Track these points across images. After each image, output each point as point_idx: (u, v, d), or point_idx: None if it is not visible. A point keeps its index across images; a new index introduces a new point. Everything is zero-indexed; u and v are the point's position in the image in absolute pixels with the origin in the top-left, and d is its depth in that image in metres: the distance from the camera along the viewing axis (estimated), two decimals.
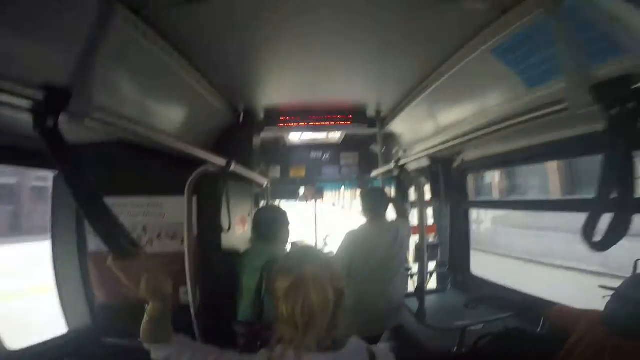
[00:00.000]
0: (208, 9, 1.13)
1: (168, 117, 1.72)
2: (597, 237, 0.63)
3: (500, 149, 2.34)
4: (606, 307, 1.19)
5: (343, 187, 4.62)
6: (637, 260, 1.40)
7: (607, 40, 1.06)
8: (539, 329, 1.63)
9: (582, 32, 1.07)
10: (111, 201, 1.76)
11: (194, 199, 1.60)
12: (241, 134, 2.43)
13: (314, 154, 4.11)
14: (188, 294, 1.52)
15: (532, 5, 1.06)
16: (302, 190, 4.17)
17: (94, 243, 1.71)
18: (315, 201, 4.25)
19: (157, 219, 1.72)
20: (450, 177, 2.97)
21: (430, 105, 2.13)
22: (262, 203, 3.42)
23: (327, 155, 4.12)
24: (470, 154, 2.72)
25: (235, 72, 1.77)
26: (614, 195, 0.60)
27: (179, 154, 1.36)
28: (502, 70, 1.39)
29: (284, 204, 4.31)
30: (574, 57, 0.81)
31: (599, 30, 1.00)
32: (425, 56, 1.63)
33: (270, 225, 1.84)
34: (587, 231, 0.64)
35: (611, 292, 1.20)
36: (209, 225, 1.72)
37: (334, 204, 4.66)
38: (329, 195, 4.70)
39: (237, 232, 2.11)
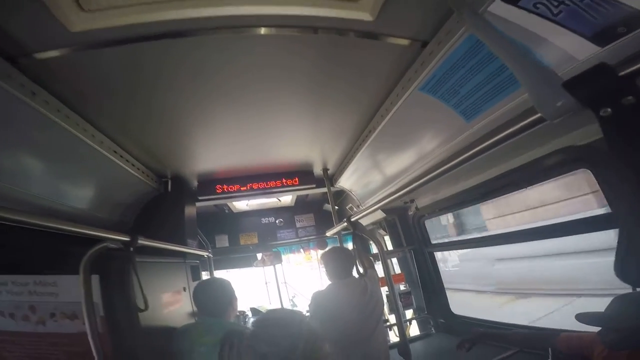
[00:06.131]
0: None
1: (72, 191, 1.51)
2: None
3: (451, 190, 2.31)
4: (602, 330, 1.16)
5: (302, 249, 4.34)
6: None
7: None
8: None
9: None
10: None
11: (97, 278, 1.39)
12: (170, 203, 2.17)
13: (265, 219, 3.91)
14: None
15: (449, 33, 1.04)
16: (259, 256, 3.87)
17: None
18: (274, 266, 3.91)
19: (47, 298, 1.49)
20: (407, 225, 2.87)
21: (375, 155, 2.09)
22: (205, 274, 3.04)
23: (281, 219, 3.93)
24: (423, 200, 2.67)
25: (156, 135, 1.59)
26: None
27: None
28: (437, 108, 1.34)
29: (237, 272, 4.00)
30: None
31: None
32: (359, 105, 1.61)
33: (216, 297, 1.70)
34: None
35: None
36: (119, 304, 1.47)
37: (300, 263, 4.36)
38: (291, 256, 4.41)
39: (169, 308, 1.84)
